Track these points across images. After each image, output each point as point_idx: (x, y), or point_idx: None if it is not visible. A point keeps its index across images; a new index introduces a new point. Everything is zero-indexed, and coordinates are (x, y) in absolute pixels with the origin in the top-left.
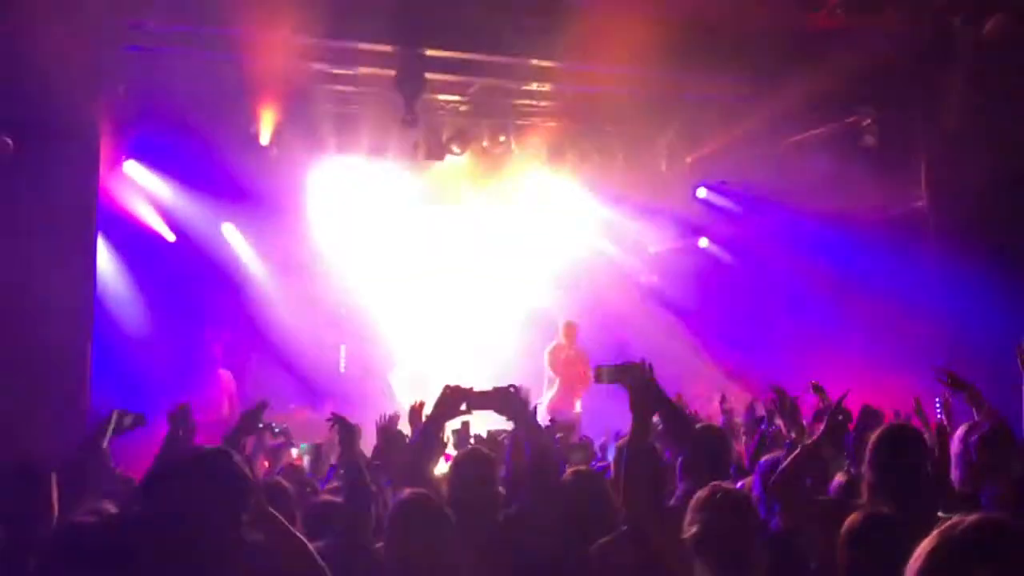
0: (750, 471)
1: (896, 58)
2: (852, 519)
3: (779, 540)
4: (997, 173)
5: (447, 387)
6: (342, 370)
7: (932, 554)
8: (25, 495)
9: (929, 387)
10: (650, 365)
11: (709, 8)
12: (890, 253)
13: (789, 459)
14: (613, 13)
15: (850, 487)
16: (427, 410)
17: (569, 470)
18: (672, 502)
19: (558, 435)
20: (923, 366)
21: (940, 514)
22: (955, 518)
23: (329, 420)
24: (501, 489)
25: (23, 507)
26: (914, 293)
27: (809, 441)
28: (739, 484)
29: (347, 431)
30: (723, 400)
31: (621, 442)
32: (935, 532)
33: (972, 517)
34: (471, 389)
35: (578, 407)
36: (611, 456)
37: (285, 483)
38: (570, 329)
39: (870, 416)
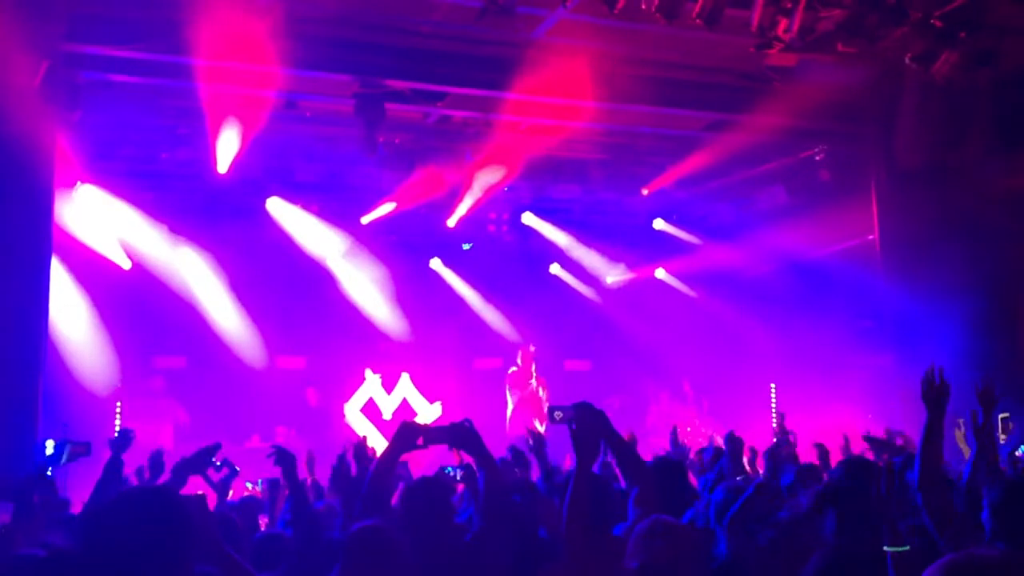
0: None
1: (848, 95)
2: (814, 559)
3: (728, 571)
4: (946, 208)
5: (403, 423)
6: (306, 402)
7: None
8: None
9: (878, 416)
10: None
11: (666, 45)
12: (843, 285)
13: (746, 496)
14: (573, 49)
15: (802, 519)
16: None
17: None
18: (620, 533)
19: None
20: (875, 395)
21: (885, 548)
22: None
23: (270, 454)
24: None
25: None
26: (866, 325)
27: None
28: (687, 514)
29: (287, 462)
30: (674, 432)
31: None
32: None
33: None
34: (427, 424)
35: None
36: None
37: (234, 516)
38: (526, 354)
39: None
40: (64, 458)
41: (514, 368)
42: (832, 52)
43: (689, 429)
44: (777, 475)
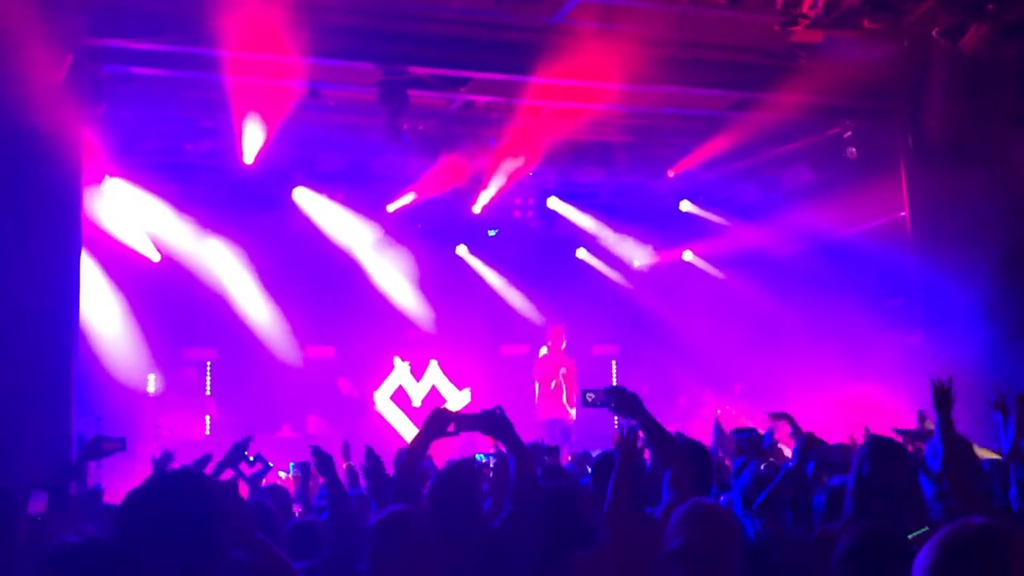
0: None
1: (875, 71)
2: (848, 536)
3: (757, 553)
4: (975, 184)
5: (435, 409)
6: (337, 390)
7: (942, 554)
8: None
9: (909, 398)
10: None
11: (691, 24)
12: (871, 263)
13: (774, 484)
14: (594, 31)
15: (833, 502)
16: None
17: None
18: (656, 515)
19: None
20: (904, 374)
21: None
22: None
23: (311, 456)
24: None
25: None
26: (895, 303)
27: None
28: (722, 499)
29: (324, 462)
30: (716, 426)
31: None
32: (943, 533)
33: (978, 521)
34: (459, 411)
35: (572, 413)
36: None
37: (268, 503)
38: (556, 333)
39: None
40: (94, 453)
41: (544, 349)
42: (858, 28)
43: (719, 411)
44: (805, 461)
